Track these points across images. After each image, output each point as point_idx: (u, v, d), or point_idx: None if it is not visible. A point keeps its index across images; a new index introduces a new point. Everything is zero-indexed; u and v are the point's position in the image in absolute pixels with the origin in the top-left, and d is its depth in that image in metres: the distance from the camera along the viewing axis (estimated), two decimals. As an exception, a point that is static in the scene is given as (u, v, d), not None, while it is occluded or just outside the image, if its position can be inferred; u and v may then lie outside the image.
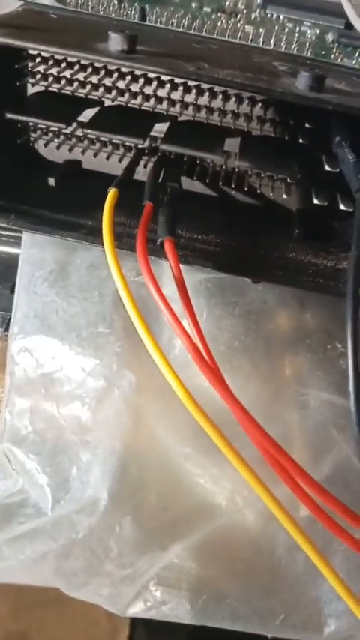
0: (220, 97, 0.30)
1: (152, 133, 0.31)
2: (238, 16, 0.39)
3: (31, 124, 0.32)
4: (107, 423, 0.32)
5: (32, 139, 0.33)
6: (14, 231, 0.36)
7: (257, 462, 0.22)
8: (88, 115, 0.31)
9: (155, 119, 0.31)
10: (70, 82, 0.30)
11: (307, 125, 0.30)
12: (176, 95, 0.30)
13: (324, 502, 0.22)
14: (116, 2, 0.37)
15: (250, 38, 0.36)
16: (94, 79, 0.30)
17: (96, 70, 0.30)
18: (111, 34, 0.25)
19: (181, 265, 0.26)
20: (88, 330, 0.33)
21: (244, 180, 0.32)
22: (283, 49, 0.36)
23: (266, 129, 0.31)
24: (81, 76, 0.30)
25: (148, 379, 0.32)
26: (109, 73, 0.30)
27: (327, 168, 0.28)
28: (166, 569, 0.32)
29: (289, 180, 0.31)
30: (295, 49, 0.36)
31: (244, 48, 0.35)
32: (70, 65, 0.30)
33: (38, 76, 0.30)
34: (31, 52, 0.29)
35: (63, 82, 0.30)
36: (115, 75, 0.30)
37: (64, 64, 0.30)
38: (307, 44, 0.37)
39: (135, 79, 0.30)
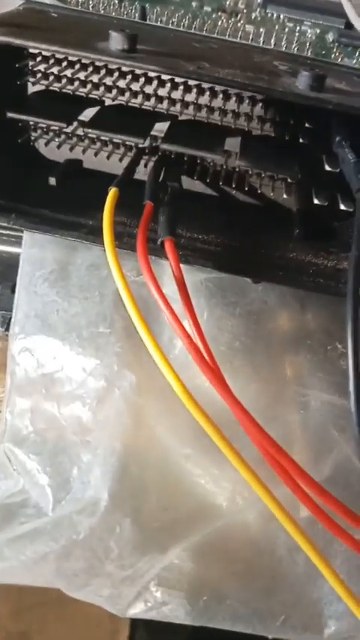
0: (221, 96, 0.30)
1: (153, 133, 0.31)
2: (239, 16, 0.39)
3: (31, 123, 0.32)
4: (108, 423, 0.32)
5: (33, 138, 0.33)
6: (15, 230, 0.36)
7: (257, 462, 0.22)
8: (88, 114, 0.31)
9: (156, 118, 0.31)
10: (70, 81, 0.30)
11: (307, 125, 0.30)
12: (177, 94, 0.30)
13: (324, 503, 0.22)
14: (117, 1, 0.37)
15: (251, 37, 0.36)
16: (95, 78, 0.30)
17: (97, 69, 0.30)
18: (112, 33, 0.25)
19: (181, 265, 0.26)
20: (89, 330, 0.33)
21: (244, 179, 0.32)
22: (284, 48, 0.36)
23: (266, 128, 0.31)
24: (82, 75, 0.30)
25: (148, 379, 0.32)
26: (109, 72, 0.30)
27: (327, 168, 0.28)
28: (166, 569, 0.32)
29: (289, 180, 0.31)
30: (296, 49, 0.36)
31: (244, 47, 0.35)
32: (71, 64, 0.30)
33: (39, 75, 0.30)
34: (31, 50, 0.29)
35: (64, 81, 0.30)
36: (116, 74, 0.29)
37: (64, 63, 0.30)
38: (308, 44, 0.37)
39: (135, 78, 0.30)
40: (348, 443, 0.31)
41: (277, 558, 0.32)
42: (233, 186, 0.32)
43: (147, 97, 0.30)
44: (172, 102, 0.30)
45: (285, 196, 0.32)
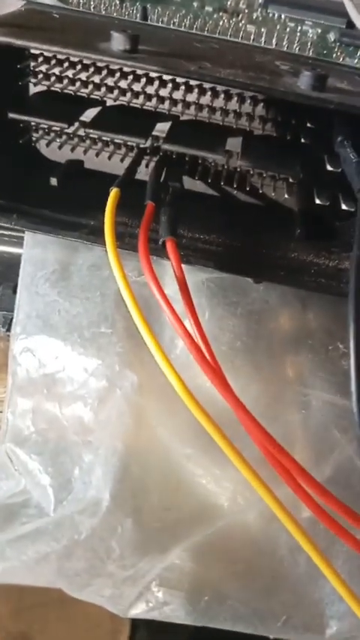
0: (222, 96, 0.29)
1: (154, 133, 0.31)
2: (240, 16, 0.39)
3: (33, 123, 0.32)
4: (109, 423, 0.32)
5: (34, 138, 0.33)
6: (16, 231, 0.36)
7: (259, 462, 0.22)
8: (90, 114, 0.31)
9: (157, 119, 0.31)
10: (72, 81, 0.30)
11: (309, 125, 0.29)
12: (178, 94, 0.30)
13: (326, 503, 0.22)
14: (118, 1, 0.37)
15: (252, 37, 0.36)
16: (96, 79, 0.30)
17: (98, 70, 0.30)
18: (113, 34, 0.25)
19: (183, 265, 0.26)
20: (90, 331, 0.33)
21: (245, 179, 0.32)
22: (285, 48, 0.36)
23: (268, 128, 0.31)
24: (83, 76, 0.30)
25: (150, 379, 0.32)
26: (111, 73, 0.30)
27: (329, 167, 0.28)
28: (167, 570, 0.32)
29: (290, 180, 0.31)
30: (297, 49, 0.36)
31: (245, 47, 0.35)
32: (72, 65, 0.30)
33: (40, 76, 0.30)
34: (33, 51, 0.29)
35: (65, 81, 0.30)
36: (118, 74, 0.29)
37: (66, 64, 0.30)
38: (309, 43, 0.37)
39: (137, 78, 0.29)
40: (349, 443, 0.31)
41: (278, 558, 0.32)
42: (235, 186, 0.32)
43: (148, 97, 0.30)
44: (174, 102, 0.30)
45: (286, 196, 0.32)
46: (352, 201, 0.28)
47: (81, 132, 0.31)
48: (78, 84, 0.30)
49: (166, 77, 0.29)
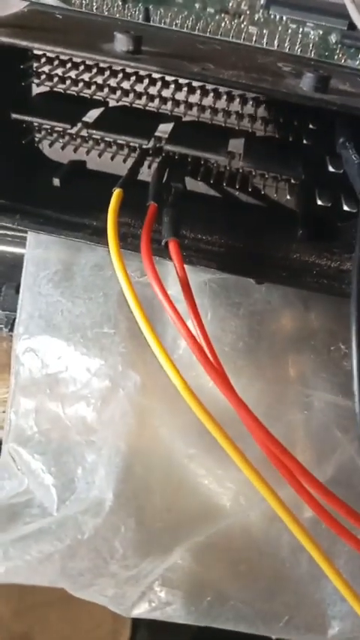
0: (225, 97, 0.30)
1: (157, 134, 0.31)
2: (242, 17, 0.39)
3: (36, 124, 0.32)
4: (112, 423, 0.32)
5: (37, 139, 0.33)
6: (19, 231, 0.36)
7: (261, 462, 0.22)
8: (92, 115, 0.31)
9: (160, 120, 0.31)
10: (74, 82, 0.30)
11: (311, 126, 0.30)
12: (181, 96, 0.30)
13: (328, 503, 0.22)
14: (120, 2, 0.37)
15: (254, 39, 0.36)
16: (99, 80, 0.30)
17: (101, 71, 0.30)
18: (117, 35, 0.25)
19: (185, 266, 0.26)
20: (93, 331, 0.33)
21: (248, 180, 0.32)
22: (287, 49, 0.36)
23: (270, 129, 0.31)
24: (86, 77, 0.30)
25: (152, 379, 0.32)
26: (114, 74, 0.30)
27: (331, 169, 0.28)
28: (170, 570, 0.32)
29: (292, 181, 0.31)
30: (299, 50, 0.36)
31: (247, 49, 0.35)
32: (75, 65, 0.30)
33: (43, 77, 0.30)
34: (36, 52, 0.30)
35: (68, 82, 0.30)
36: (120, 75, 0.30)
37: (69, 65, 0.30)
38: (311, 45, 0.37)
39: (140, 79, 0.30)
40: (351, 443, 0.31)
41: (280, 559, 0.32)
42: (237, 187, 0.32)
43: (151, 98, 0.30)
44: (176, 103, 0.30)
45: (288, 197, 0.32)
46: (354, 203, 0.28)
47: (84, 132, 0.32)
48: (81, 84, 0.30)
49: (168, 78, 0.29)
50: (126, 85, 0.30)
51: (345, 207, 0.29)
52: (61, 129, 0.31)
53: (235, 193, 0.34)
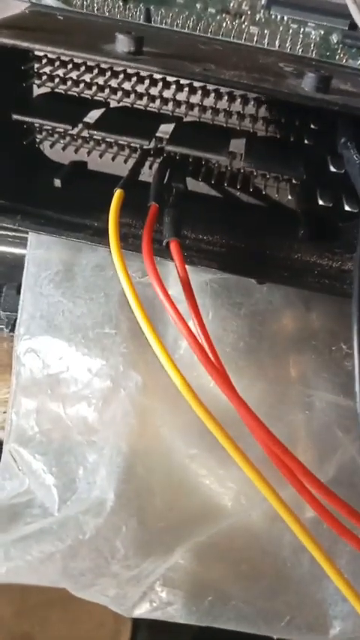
0: (226, 97, 0.30)
1: (158, 134, 0.31)
2: (243, 17, 0.39)
3: (37, 125, 0.32)
4: (113, 423, 0.32)
5: (38, 140, 0.33)
6: (20, 231, 0.36)
7: (262, 462, 0.22)
8: (93, 116, 0.31)
9: (161, 120, 0.31)
10: (76, 83, 0.30)
11: (312, 126, 0.30)
12: (182, 96, 0.30)
13: (329, 503, 0.22)
14: (121, 3, 0.37)
15: (255, 39, 0.36)
16: (100, 80, 0.30)
17: (102, 72, 0.30)
18: (118, 36, 0.25)
19: (186, 266, 0.26)
20: (95, 331, 0.33)
21: (249, 181, 0.32)
22: (288, 50, 0.36)
23: (271, 130, 0.31)
24: (87, 77, 0.30)
25: (154, 380, 0.32)
26: (115, 75, 0.30)
27: (332, 169, 0.28)
28: (171, 570, 0.32)
29: (294, 181, 0.31)
30: (300, 50, 0.36)
31: (249, 49, 0.35)
32: (77, 66, 0.30)
33: (44, 77, 0.30)
34: (37, 53, 0.30)
35: (69, 83, 0.30)
36: (121, 76, 0.30)
37: (70, 66, 0.30)
38: (312, 45, 0.37)
39: (141, 80, 0.30)
40: (353, 443, 0.31)
41: (282, 559, 0.32)
42: (238, 187, 0.32)
43: (152, 98, 0.30)
44: (177, 103, 0.30)
45: (290, 197, 0.32)
46: (356, 203, 0.28)
47: (85, 133, 0.32)
48: (82, 85, 0.30)
49: (170, 79, 0.29)
50: (127, 85, 0.30)
51: (346, 208, 0.29)
52: (62, 130, 0.31)
53: (236, 193, 0.34)
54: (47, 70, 0.30)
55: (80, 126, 0.31)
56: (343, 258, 0.31)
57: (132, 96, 0.30)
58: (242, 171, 0.32)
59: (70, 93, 0.30)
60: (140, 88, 0.30)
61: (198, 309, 0.25)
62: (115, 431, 0.32)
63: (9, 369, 0.34)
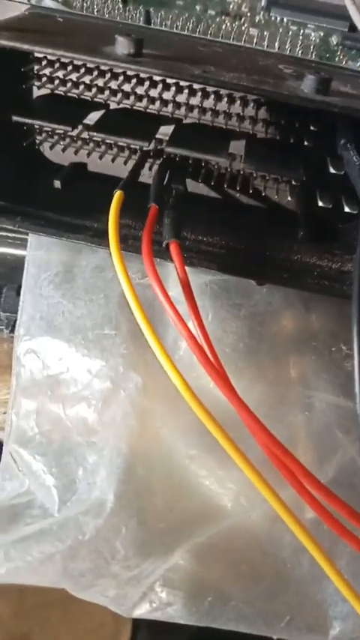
0: (226, 99, 0.30)
1: (157, 136, 0.31)
2: (242, 19, 0.39)
3: (37, 126, 0.32)
4: (113, 424, 0.32)
5: (38, 141, 0.33)
6: (20, 233, 0.36)
7: (262, 463, 0.22)
8: (93, 117, 0.31)
9: (160, 122, 0.31)
10: (75, 84, 0.30)
11: (312, 128, 0.30)
12: (181, 98, 0.30)
13: (329, 504, 0.22)
14: (121, 5, 0.37)
15: (255, 41, 0.36)
16: (100, 82, 0.30)
17: (102, 73, 0.30)
18: (118, 38, 0.25)
19: (186, 267, 0.26)
20: (94, 332, 0.33)
21: (249, 182, 0.32)
22: (288, 51, 0.36)
23: (271, 131, 0.31)
24: (87, 79, 0.30)
25: (153, 381, 0.32)
26: (114, 76, 0.30)
27: (332, 170, 0.28)
28: (171, 570, 0.32)
29: (293, 183, 0.31)
30: (300, 52, 0.36)
31: (248, 51, 0.35)
32: (76, 68, 0.30)
33: (44, 79, 0.30)
34: (37, 54, 0.30)
35: (69, 84, 0.30)
36: (121, 78, 0.30)
37: (70, 67, 0.30)
38: (312, 47, 0.37)
39: (141, 81, 0.30)
40: (353, 444, 0.31)
41: (282, 559, 0.32)
42: (238, 188, 0.32)
43: (152, 100, 0.30)
44: (177, 105, 0.30)
45: (289, 199, 0.32)
46: (355, 204, 0.29)
47: (84, 135, 0.32)
48: (81, 87, 0.30)
49: (169, 80, 0.29)
50: (127, 87, 0.30)
51: (346, 209, 0.29)
52: (62, 131, 0.31)
53: (236, 195, 0.34)
54: (47, 71, 0.30)
55: (80, 127, 0.31)
56: (343, 260, 0.31)
57: (132, 98, 0.30)
58: (242, 172, 0.32)
59: (69, 94, 0.30)
60: (140, 90, 0.30)
61: (198, 311, 0.25)
62: (115, 432, 0.32)
63: (9, 370, 0.35)
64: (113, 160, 0.32)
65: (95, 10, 0.36)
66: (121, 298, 0.33)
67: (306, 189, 0.31)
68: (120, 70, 0.29)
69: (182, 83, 0.29)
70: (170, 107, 0.30)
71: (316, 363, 0.32)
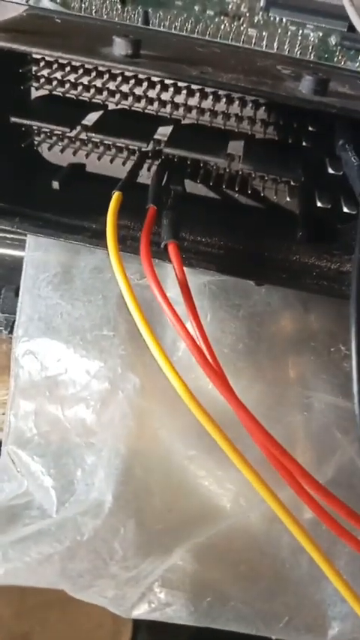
0: (224, 100, 0.30)
1: (156, 136, 0.31)
2: (241, 19, 0.39)
3: (35, 127, 0.32)
4: (112, 425, 0.32)
5: (36, 142, 0.33)
6: (18, 234, 0.36)
7: (261, 464, 0.22)
8: (91, 118, 0.31)
9: (159, 122, 0.31)
10: (74, 85, 0.30)
11: (310, 128, 0.30)
12: (180, 98, 0.30)
13: (328, 504, 0.22)
14: (119, 6, 0.37)
15: (254, 41, 0.36)
16: (98, 83, 0.30)
17: (100, 74, 0.30)
18: (115, 39, 0.25)
19: (184, 268, 0.26)
20: (93, 333, 0.33)
21: (247, 183, 0.32)
22: (286, 52, 0.36)
23: (270, 132, 0.31)
24: (85, 80, 0.30)
25: (152, 382, 0.32)
26: (112, 77, 0.30)
27: (330, 171, 0.28)
28: (170, 571, 0.32)
29: (292, 183, 0.31)
30: (298, 53, 0.36)
31: (247, 51, 0.35)
32: (74, 69, 0.30)
33: (42, 80, 0.31)
34: (35, 55, 0.30)
35: (67, 85, 0.30)
36: (119, 79, 0.30)
37: (68, 68, 0.30)
38: (310, 47, 0.37)
39: (139, 82, 0.30)
40: (351, 445, 0.31)
41: (280, 560, 0.32)
42: (236, 189, 0.32)
43: (150, 101, 0.30)
44: (175, 106, 0.30)
45: (288, 199, 0.32)
46: (354, 204, 0.29)
47: (83, 135, 0.32)
48: (80, 88, 0.30)
49: (167, 81, 0.29)
50: (125, 88, 0.30)
51: (345, 209, 0.29)
52: (60, 132, 0.31)
53: (234, 195, 0.34)
54: (45, 72, 0.30)
55: (78, 128, 0.31)
56: (342, 260, 0.31)
57: (130, 98, 0.30)
58: (240, 173, 0.32)
59: (68, 95, 0.30)
60: (138, 91, 0.30)
61: (196, 311, 0.25)
62: (113, 433, 0.32)
63: (7, 370, 0.35)
64: (112, 161, 0.32)
65: (93, 10, 0.36)
66: (119, 299, 0.33)
67: (305, 190, 0.31)
68: (118, 71, 0.29)
69: (180, 84, 0.29)
70: (168, 108, 0.30)
71: (314, 363, 0.32)
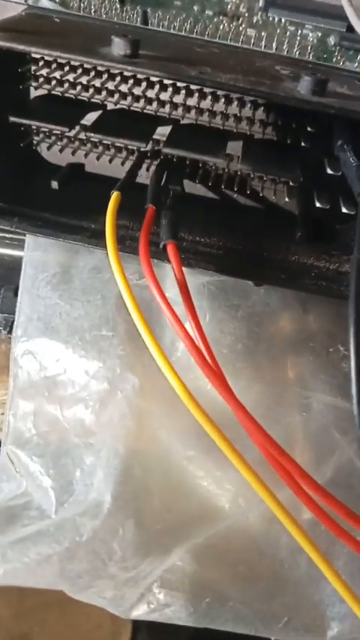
0: (223, 100, 0.30)
1: (155, 137, 0.31)
2: (240, 20, 0.39)
3: (34, 127, 0.32)
4: (111, 425, 0.32)
5: (35, 142, 0.33)
6: (17, 234, 0.36)
7: (260, 464, 0.22)
8: (90, 118, 0.31)
9: (158, 122, 0.31)
10: (72, 85, 0.30)
11: (309, 128, 0.30)
12: (178, 98, 0.30)
13: (326, 505, 0.22)
14: (118, 6, 0.37)
15: (252, 42, 0.36)
16: (97, 83, 0.30)
17: (99, 74, 0.30)
18: (114, 39, 0.25)
19: (183, 268, 0.26)
20: (92, 333, 0.33)
21: (246, 183, 0.32)
22: (285, 52, 0.36)
23: (268, 132, 0.31)
24: (84, 80, 0.30)
25: (151, 382, 0.32)
26: (111, 77, 0.30)
27: (329, 171, 0.28)
28: (169, 571, 0.32)
29: (291, 183, 0.31)
30: (297, 53, 0.36)
31: (245, 51, 0.35)
32: (73, 69, 0.30)
33: (41, 80, 0.30)
34: (34, 55, 0.30)
35: (66, 85, 0.30)
36: (118, 78, 0.30)
37: (67, 68, 0.30)
38: (309, 47, 0.37)
39: (137, 82, 0.30)
40: (350, 445, 0.31)
41: (279, 560, 0.32)
42: (235, 189, 0.32)
43: (149, 101, 0.30)
44: (174, 106, 0.30)
45: (287, 199, 0.32)
46: (353, 205, 0.29)
47: (82, 135, 0.32)
48: (79, 88, 0.30)
49: (166, 81, 0.29)
50: (124, 88, 0.30)
51: (343, 210, 0.29)
52: (59, 132, 0.31)
53: (233, 196, 0.34)
54: (44, 72, 0.30)
55: (77, 128, 0.31)
56: (341, 260, 0.31)
57: (129, 98, 0.30)
58: (239, 173, 0.32)
59: (67, 95, 0.30)
60: (137, 91, 0.30)
61: (195, 312, 0.25)
62: (112, 433, 0.32)
63: (6, 370, 0.34)
64: (110, 161, 0.32)
65: (92, 10, 0.36)
66: (118, 299, 0.33)
67: (303, 190, 0.31)
68: (117, 71, 0.29)
69: (179, 84, 0.29)
70: (167, 108, 0.30)
71: (313, 363, 0.32)
